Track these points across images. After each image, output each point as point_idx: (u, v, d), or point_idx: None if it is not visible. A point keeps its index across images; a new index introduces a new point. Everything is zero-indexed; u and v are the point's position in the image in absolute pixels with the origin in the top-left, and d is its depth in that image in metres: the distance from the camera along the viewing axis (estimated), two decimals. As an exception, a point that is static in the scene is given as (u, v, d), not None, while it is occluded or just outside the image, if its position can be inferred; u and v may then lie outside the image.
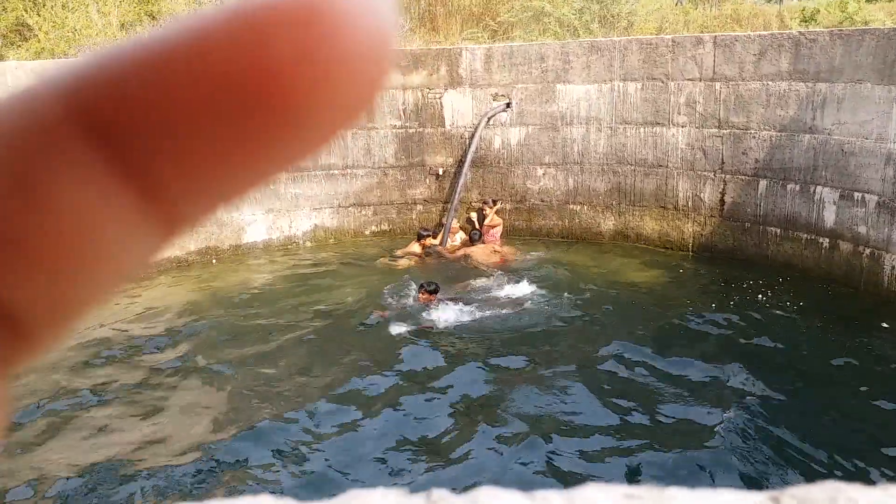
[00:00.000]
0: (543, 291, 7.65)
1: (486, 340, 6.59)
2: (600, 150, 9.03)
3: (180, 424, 5.39)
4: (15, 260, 0.18)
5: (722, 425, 5.12)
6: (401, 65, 8.98)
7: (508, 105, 9.14)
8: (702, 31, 11.60)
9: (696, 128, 8.39)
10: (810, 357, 6.21)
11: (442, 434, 5.15)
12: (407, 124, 9.40)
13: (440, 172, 9.51)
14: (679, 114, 8.45)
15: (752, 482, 4.47)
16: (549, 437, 5.07)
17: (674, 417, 5.26)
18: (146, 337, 6.96)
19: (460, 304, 7.21)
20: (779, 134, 7.81)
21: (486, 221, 9.10)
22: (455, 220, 9.35)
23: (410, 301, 7.26)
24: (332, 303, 7.56)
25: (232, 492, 4.49)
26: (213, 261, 9.06)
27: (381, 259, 8.89)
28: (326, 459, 4.91)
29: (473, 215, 9.36)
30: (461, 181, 9.26)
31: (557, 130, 9.13)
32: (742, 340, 6.54)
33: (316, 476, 4.74)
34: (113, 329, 7.04)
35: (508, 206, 9.50)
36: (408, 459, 4.89)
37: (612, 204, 9.18)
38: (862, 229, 7.21)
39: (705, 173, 8.46)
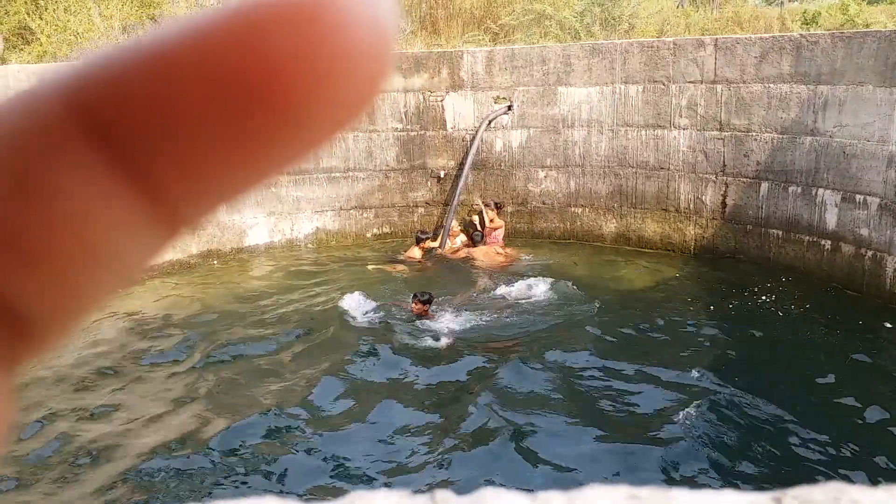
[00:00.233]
0: (544, 295, 7.64)
1: (484, 344, 6.59)
2: (602, 153, 9.02)
3: (180, 425, 5.39)
4: (18, 259, 0.18)
5: (724, 426, 5.12)
6: (402, 68, 8.99)
7: (510, 108, 9.14)
8: (703, 34, 11.60)
9: (698, 130, 8.39)
10: (813, 358, 6.20)
11: (444, 436, 5.15)
12: (408, 127, 9.40)
13: (441, 175, 9.52)
14: (680, 116, 8.45)
15: (755, 483, 4.47)
16: (551, 438, 5.07)
17: (676, 419, 5.25)
18: (147, 338, 6.97)
19: (456, 311, 7.17)
20: (780, 136, 7.80)
21: (488, 224, 9.09)
22: (455, 222, 9.35)
23: (405, 311, 7.18)
24: (334, 305, 7.55)
25: (236, 492, 4.49)
26: (214, 262, 9.06)
27: (371, 266, 8.73)
28: (329, 461, 4.91)
29: (475, 218, 9.35)
30: (461, 183, 9.27)
31: (559, 133, 9.13)
32: (744, 342, 6.54)
33: (319, 477, 4.74)
34: (114, 330, 7.04)
35: (510, 209, 9.50)
36: (411, 461, 4.89)
37: (613, 206, 9.18)
38: (864, 231, 7.20)
39: (707, 176, 8.46)
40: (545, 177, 9.35)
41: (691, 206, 8.67)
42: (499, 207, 9.30)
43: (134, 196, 0.19)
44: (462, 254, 8.97)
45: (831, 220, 7.51)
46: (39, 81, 0.19)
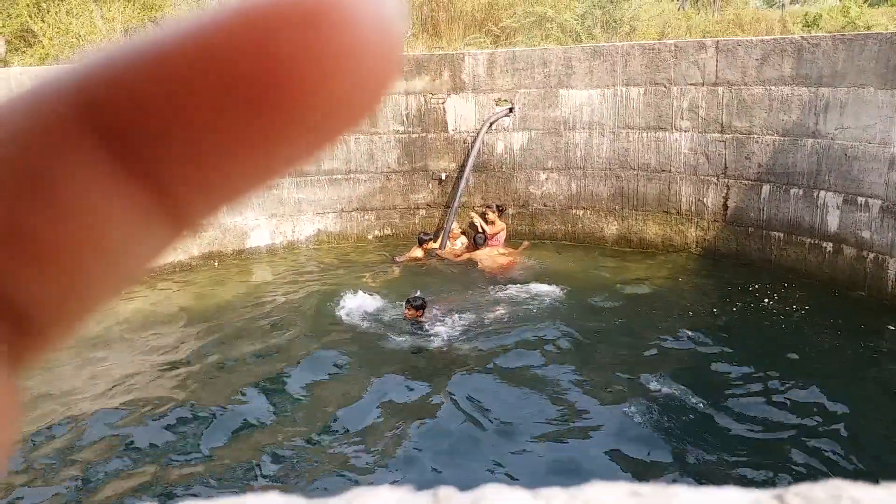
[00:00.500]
0: (545, 296, 7.64)
1: (482, 345, 6.59)
2: (603, 155, 9.03)
3: (182, 425, 5.40)
4: (24, 259, 0.18)
5: (726, 425, 5.13)
6: (403, 70, 8.98)
7: (511, 110, 9.14)
8: (704, 36, 11.61)
9: (699, 132, 8.39)
10: (815, 360, 6.20)
11: (446, 433, 5.17)
12: (410, 129, 9.41)
13: (443, 177, 9.52)
14: (682, 118, 8.45)
15: (757, 481, 4.47)
16: (553, 436, 5.08)
17: (677, 417, 5.26)
18: (148, 339, 6.98)
19: (453, 313, 7.16)
20: (782, 138, 7.80)
21: (489, 230, 9.07)
22: (456, 225, 9.35)
23: (400, 313, 7.16)
24: (335, 307, 7.55)
25: (239, 489, 4.49)
26: (215, 263, 9.07)
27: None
28: (331, 458, 4.93)
29: (477, 220, 9.35)
30: (462, 185, 9.27)
31: (560, 135, 9.13)
32: (746, 344, 6.53)
33: (322, 475, 4.76)
34: (115, 330, 7.05)
35: (511, 211, 9.50)
36: (413, 458, 4.91)
37: (615, 208, 9.18)
38: (865, 234, 7.20)
39: (708, 178, 8.46)
40: (546, 179, 9.35)
41: (693, 208, 8.66)
42: (501, 211, 9.29)
43: (139, 195, 0.19)
44: (465, 257, 8.97)
45: (833, 222, 7.51)
46: (45, 80, 0.19)
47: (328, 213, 9.60)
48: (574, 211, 9.39)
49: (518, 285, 7.94)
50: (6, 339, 0.19)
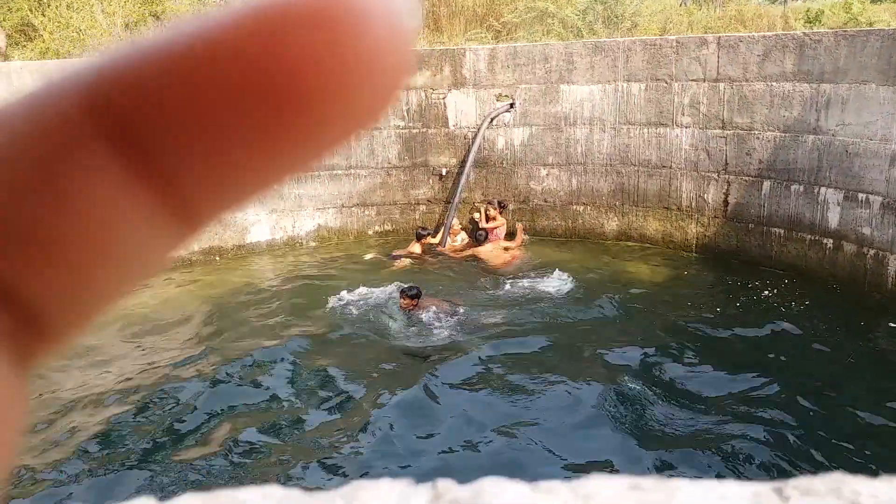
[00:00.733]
0: (546, 292, 7.65)
1: (483, 338, 6.60)
2: (604, 151, 9.02)
3: (183, 419, 5.41)
4: (33, 256, 0.18)
5: (724, 420, 5.14)
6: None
7: (512, 105, 9.13)
8: (706, 32, 11.58)
9: (700, 128, 8.38)
10: (815, 356, 6.21)
11: (446, 426, 5.18)
12: (410, 125, 9.40)
13: (443, 173, 9.51)
14: (683, 114, 8.44)
15: (756, 474, 4.49)
16: (553, 429, 5.10)
17: (678, 412, 5.28)
18: (147, 334, 6.99)
19: (453, 308, 7.17)
20: (783, 135, 7.80)
21: (490, 226, 9.07)
22: (456, 220, 9.35)
23: (396, 306, 7.18)
24: (335, 302, 7.56)
25: (240, 482, 4.51)
26: (217, 258, 9.08)
27: (367, 256, 8.91)
28: (332, 451, 4.94)
29: (476, 215, 9.35)
30: (462, 181, 9.26)
31: (561, 131, 9.12)
32: (746, 340, 6.54)
33: (322, 467, 4.77)
34: (114, 325, 7.06)
35: (512, 207, 9.50)
36: (412, 451, 4.92)
37: (615, 204, 9.18)
38: (866, 230, 7.20)
39: (709, 174, 8.45)
40: (547, 174, 9.35)
41: (693, 204, 8.66)
42: (502, 207, 9.28)
43: (150, 195, 0.19)
44: (467, 253, 8.97)
45: (833, 218, 7.50)
46: (54, 79, 0.19)
47: (328, 208, 9.60)
48: (574, 207, 9.39)
49: (519, 280, 7.95)
50: (15, 336, 0.19)
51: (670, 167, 8.68)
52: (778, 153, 7.86)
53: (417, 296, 7.04)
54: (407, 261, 8.83)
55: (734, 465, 4.64)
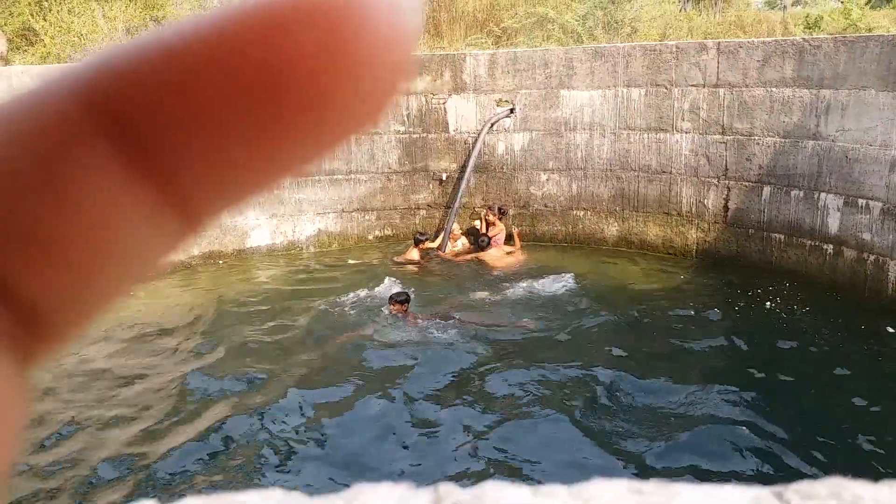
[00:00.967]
0: (544, 296, 7.64)
1: (482, 341, 6.59)
2: (604, 156, 9.03)
3: (181, 422, 5.40)
4: (36, 255, 0.18)
5: (727, 424, 5.14)
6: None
7: (512, 111, 9.14)
8: (705, 38, 11.61)
9: (700, 134, 8.39)
10: (815, 361, 6.21)
11: (447, 430, 5.17)
12: (410, 129, 9.41)
13: (444, 178, 9.52)
14: (683, 120, 8.45)
15: (757, 478, 4.47)
16: (554, 433, 5.09)
17: (678, 416, 5.27)
18: (148, 338, 6.98)
19: (452, 312, 7.16)
20: (783, 140, 7.80)
21: (489, 232, 9.05)
22: (457, 226, 9.34)
23: (385, 312, 7.16)
24: (334, 306, 7.56)
25: (240, 486, 4.50)
26: (220, 262, 9.08)
27: (396, 258, 8.97)
28: (333, 455, 4.94)
29: (477, 223, 9.35)
30: (463, 186, 9.27)
31: (561, 136, 9.13)
32: (747, 345, 6.54)
33: (323, 472, 4.76)
34: (115, 330, 7.05)
35: (512, 212, 9.50)
36: (414, 455, 4.92)
37: (615, 210, 9.18)
38: (866, 236, 7.20)
39: (709, 179, 8.46)
40: (547, 180, 9.36)
41: (693, 209, 8.66)
42: (502, 213, 9.27)
43: (148, 193, 0.19)
44: (469, 257, 8.97)
45: (833, 224, 7.51)
46: (54, 77, 0.19)
47: (329, 213, 9.60)
48: (575, 212, 9.39)
49: (518, 284, 7.95)
50: (14, 335, 0.19)
51: (670, 172, 8.69)
52: (778, 159, 7.86)
53: (406, 301, 7.04)
54: (407, 266, 8.82)
55: (735, 470, 4.63)
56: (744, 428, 5.10)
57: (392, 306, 7.04)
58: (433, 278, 8.42)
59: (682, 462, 4.75)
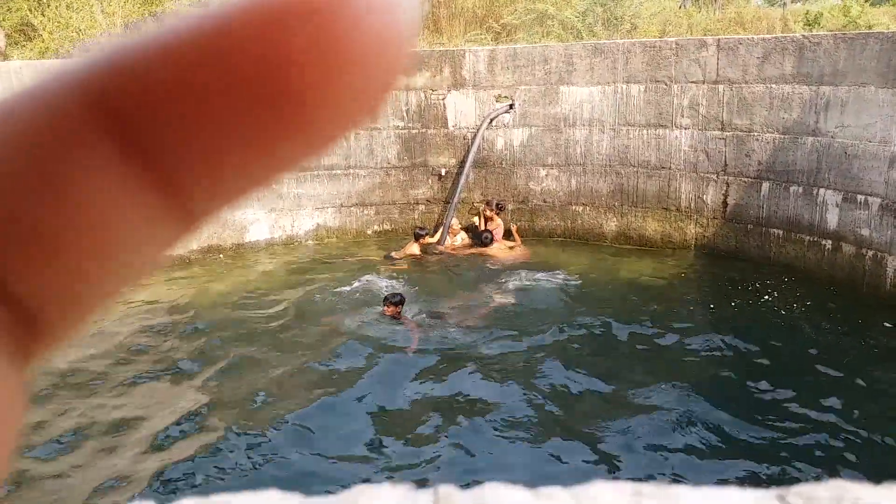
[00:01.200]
0: (543, 292, 7.64)
1: (483, 341, 6.59)
2: (603, 152, 9.02)
3: (180, 420, 5.40)
4: (34, 254, 0.18)
5: (727, 424, 5.14)
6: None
7: (511, 106, 9.13)
8: (705, 34, 11.59)
9: (700, 130, 8.39)
10: (813, 357, 6.21)
11: (447, 431, 5.17)
12: (410, 125, 9.40)
13: (443, 173, 9.51)
14: (682, 116, 8.45)
15: (758, 481, 4.48)
16: (554, 434, 5.09)
17: (678, 416, 5.27)
18: (147, 334, 6.97)
19: (452, 311, 7.15)
20: (782, 136, 7.80)
21: (488, 227, 9.06)
22: (456, 220, 9.34)
23: (381, 313, 7.13)
24: (333, 302, 7.56)
25: (236, 487, 4.50)
26: (220, 256, 9.08)
27: (395, 254, 8.97)
28: (332, 456, 4.93)
29: (476, 219, 9.35)
30: (462, 181, 9.27)
31: (560, 132, 9.13)
32: (745, 341, 6.54)
33: (322, 472, 4.76)
34: (114, 327, 7.05)
35: (511, 207, 9.50)
36: (414, 456, 4.91)
37: (614, 205, 9.18)
38: (865, 232, 7.21)
39: (708, 175, 8.46)
40: (546, 175, 9.35)
41: (692, 205, 8.67)
42: (500, 208, 9.27)
43: (148, 190, 0.19)
44: (470, 252, 8.98)
45: (832, 220, 7.51)
46: (52, 74, 0.18)
47: (327, 207, 9.60)
48: (574, 207, 9.39)
49: (517, 281, 7.95)
50: (13, 334, 0.19)
51: (669, 168, 8.69)
52: (777, 155, 7.86)
53: (401, 303, 7.02)
54: (405, 261, 8.82)
55: (735, 471, 4.62)
56: (743, 428, 5.10)
57: (386, 308, 7.02)
58: (433, 275, 8.42)
59: (682, 463, 4.74)
